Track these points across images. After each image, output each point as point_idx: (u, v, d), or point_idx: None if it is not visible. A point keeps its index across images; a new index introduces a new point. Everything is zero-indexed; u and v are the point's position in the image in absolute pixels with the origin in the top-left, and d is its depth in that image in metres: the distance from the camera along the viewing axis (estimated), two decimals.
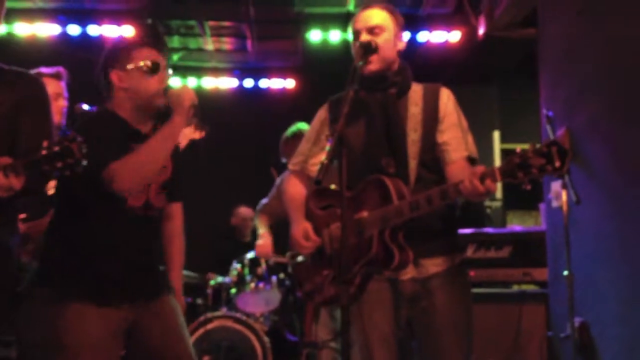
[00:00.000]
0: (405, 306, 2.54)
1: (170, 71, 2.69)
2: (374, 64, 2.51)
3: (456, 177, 2.37)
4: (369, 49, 2.49)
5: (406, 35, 2.63)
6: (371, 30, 2.53)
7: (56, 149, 2.14)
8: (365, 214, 2.48)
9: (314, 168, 2.67)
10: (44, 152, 2.16)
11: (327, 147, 2.28)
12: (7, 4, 5.20)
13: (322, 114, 2.72)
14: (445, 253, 2.54)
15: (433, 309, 2.49)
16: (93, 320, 2.46)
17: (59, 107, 3.40)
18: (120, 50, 2.65)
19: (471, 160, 2.54)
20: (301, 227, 2.62)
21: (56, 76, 3.45)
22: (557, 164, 2.04)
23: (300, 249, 2.64)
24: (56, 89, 3.40)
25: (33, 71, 3.39)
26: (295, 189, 2.77)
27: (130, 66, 2.60)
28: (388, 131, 2.53)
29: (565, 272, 3.79)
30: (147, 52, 2.63)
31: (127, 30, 6.47)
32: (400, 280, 2.52)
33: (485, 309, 4.19)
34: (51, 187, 3.28)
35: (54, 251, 2.61)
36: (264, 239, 4.52)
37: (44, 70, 3.44)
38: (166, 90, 2.58)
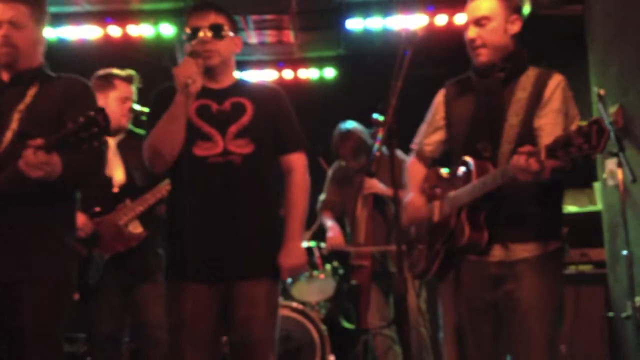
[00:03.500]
0: (490, 288, 2.56)
1: (230, 33, 2.66)
2: (482, 56, 2.57)
3: None
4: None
5: (516, 19, 2.61)
6: (478, 22, 2.57)
7: (81, 120, 2.24)
8: (452, 193, 2.60)
9: (427, 148, 2.84)
10: (70, 125, 2.25)
11: (379, 135, 2.34)
12: (56, 9, 5.35)
13: (439, 97, 2.82)
14: (537, 239, 2.52)
15: (518, 293, 2.49)
16: (188, 298, 2.54)
17: (125, 109, 3.50)
18: None
19: None
20: (415, 199, 2.80)
21: (127, 79, 3.55)
22: (594, 141, 2.01)
23: (408, 219, 2.80)
24: (125, 92, 3.51)
25: (105, 70, 3.53)
26: (414, 167, 2.90)
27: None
28: (488, 115, 2.57)
29: (624, 252, 3.73)
30: (190, 20, 2.67)
31: (166, 29, 6.57)
32: (487, 262, 2.55)
33: None
34: (116, 185, 3.39)
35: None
36: (334, 230, 4.57)
37: (116, 71, 3.55)
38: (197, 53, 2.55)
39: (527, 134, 2.49)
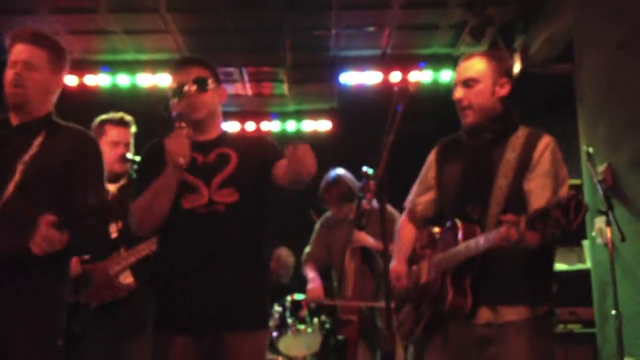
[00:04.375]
0: (476, 351, 2.50)
1: (214, 84, 2.67)
2: (468, 117, 2.59)
3: None
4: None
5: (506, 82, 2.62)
6: (465, 83, 2.59)
7: (97, 205, 2.26)
8: (439, 256, 2.57)
9: (418, 207, 2.82)
10: (85, 208, 2.28)
11: (370, 190, 2.34)
12: None
13: (431, 155, 2.82)
14: (526, 303, 2.46)
15: (506, 357, 2.43)
16: (173, 350, 2.49)
17: (116, 154, 3.45)
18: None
19: None
20: (396, 269, 2.76)
21: (118, 123, 3.52)
22: (571, 216, 2.00)
23: (393, 287, 2.75)
24: (115, 136, 3.47)
25: (100, 118, 3.51)
26: (404, 229, 2.87)
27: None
28: (477, 177, 2.56)
29: (613, 312, 3.71)
30: (175, 75, 2.68)
31: (163, 79, 6.66)
32: (474, 325, 2.49)
33: None
34: (114, 231, 3.35)
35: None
36: (314, 282, 4.52)
37: (108, 116, 3.52)
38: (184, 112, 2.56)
39: (516, 196, 2.46)
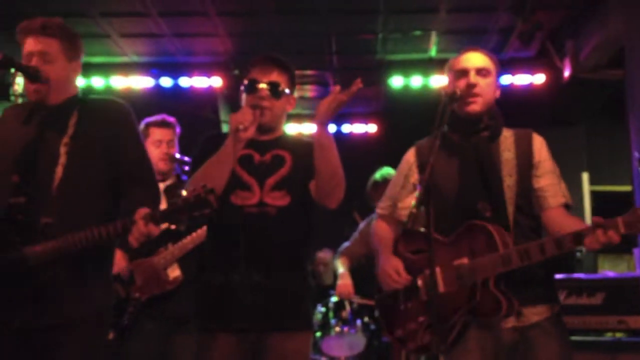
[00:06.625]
0: (504, 355, 2.48)
1: (287, 90, 2.67)
2: (477, 105, 2.53)
3: (554, 224, 2.43)
4: (453, 97, 2.50)
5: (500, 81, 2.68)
6: (479, 71, 2.56)
7: (192, 200, 2.27)
8: (465, 260, 2.45)
9: (402, 212, 2.70)
10: (180, 202, 2.28)
11: (417, 193, 2.31)
12: (105, 59, 5.49)
13: (409, 158, 2.73)
14: (546, 301, 2.48)
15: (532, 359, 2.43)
16: (215, 348, 2.53)
17: (160, 152, 3.56)
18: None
19: (566, 207, 2.52)
20: (392, 263, 2.60)
21: (159, 124, 3.63)
22: None
23: (391, 283, 2.58)
24: (158, 135, 3.59)
25: (145, 121, 3.60)
26: (384, 232, 2.78)
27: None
28: (483, 175, 2.53)
29: None
30: (253, 70, 2.68)
31: (216, 81, 6.79)
32: (501, 329, 2.47)
33: (578, 358, 4.04)
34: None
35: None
36: (344, 279, 4.55)
37: (150, 119, 3.63)
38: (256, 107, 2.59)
39: (525, 195, 2.51)
